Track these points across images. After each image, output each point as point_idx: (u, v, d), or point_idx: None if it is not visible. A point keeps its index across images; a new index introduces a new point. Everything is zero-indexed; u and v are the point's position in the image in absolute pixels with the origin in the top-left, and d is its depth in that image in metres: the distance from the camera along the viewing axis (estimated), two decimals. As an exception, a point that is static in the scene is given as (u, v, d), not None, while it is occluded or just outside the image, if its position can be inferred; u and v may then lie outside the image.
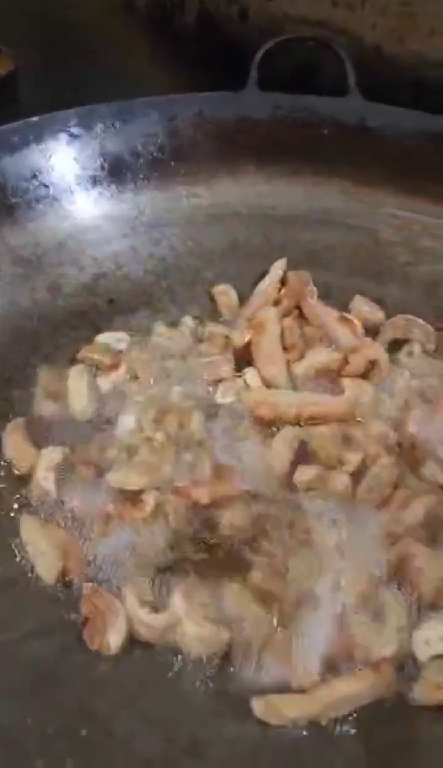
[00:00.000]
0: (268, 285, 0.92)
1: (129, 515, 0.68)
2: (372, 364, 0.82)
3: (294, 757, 0.59)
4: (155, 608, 0.64)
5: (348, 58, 0.99)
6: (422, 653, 0.63)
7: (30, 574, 0.67)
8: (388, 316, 0.92)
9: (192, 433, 0.74)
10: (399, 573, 0.66)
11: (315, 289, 0.92)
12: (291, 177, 1.00)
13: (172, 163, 0.97)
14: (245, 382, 0.81)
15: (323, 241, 0.98)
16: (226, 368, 0.82)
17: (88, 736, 0.59)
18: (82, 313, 0.89)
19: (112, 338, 0.86)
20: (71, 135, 0.93)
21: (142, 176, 0.96)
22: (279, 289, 0.92)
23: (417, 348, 0.87)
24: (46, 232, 0.91)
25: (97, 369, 0.83)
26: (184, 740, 0.59)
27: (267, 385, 0.81)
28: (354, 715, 0.60)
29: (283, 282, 0.93)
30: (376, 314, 0.91)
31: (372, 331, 0.89)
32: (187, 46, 1.12)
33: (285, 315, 0.89)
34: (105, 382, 0.82)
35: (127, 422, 0.76)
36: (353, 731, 0.59)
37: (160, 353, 0.83)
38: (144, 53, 1.16)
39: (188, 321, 0.89)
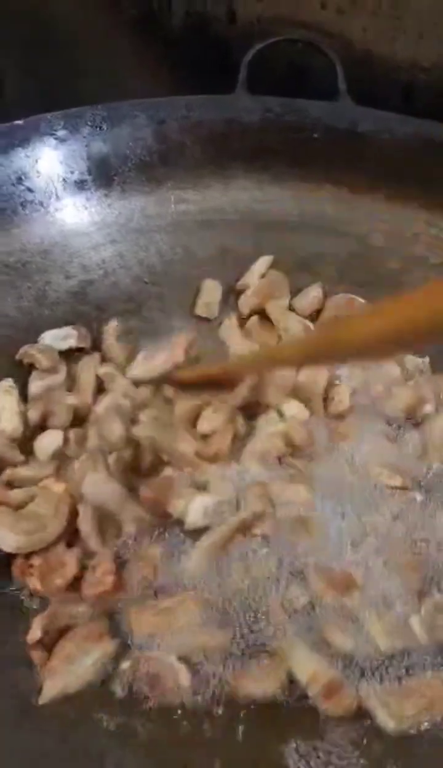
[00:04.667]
0: (248, 281, 0.92)
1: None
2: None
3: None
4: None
5: (338, 61, 0.98)
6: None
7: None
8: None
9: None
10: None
11: (288, 292, 0.92)
12: (280, 182, 0.99)
13: (161, 168, 0.96)
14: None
15: (313, 247, 0.97)
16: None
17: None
18: (69, 321, 0.87)
19: (56, 337, 0.83)
20: (57, 138, 0.91)
21: (129, 181, 0.95)
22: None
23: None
24: (32, 238, 0.90)
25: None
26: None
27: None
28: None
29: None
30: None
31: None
32: (175, 48, 1.10)
33: (251, 314, 0.90)
34: (36, 386, 0.78)
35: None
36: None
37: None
38: (131, 55, 1.13)
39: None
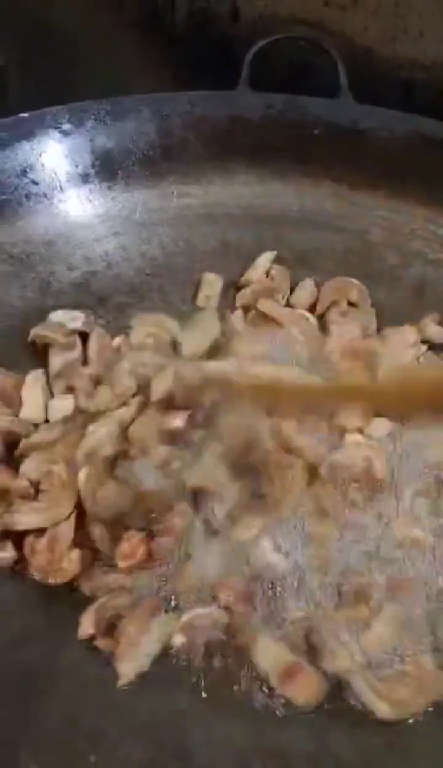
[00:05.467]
0: (251, 276, 0.93)
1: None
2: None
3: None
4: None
5: (340, 59, 1.00)
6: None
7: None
8: (379, 320, 0.93)
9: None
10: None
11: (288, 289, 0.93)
12: (281, 177, 1.00)
13: (163, 162, 0.97)
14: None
15: (313, 241, 0.98)
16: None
17: (77, 743, 0.59)
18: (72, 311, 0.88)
19: (66, 317, 0.85)
20: (62, 132, 0.92)
21: (133, 174, 0.96)
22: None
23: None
24: (36, 229, 0.91)
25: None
26: (174, 745, 0.59)
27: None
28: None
29: (268, 276, 0.94)
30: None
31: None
32: (178, 45, 1.11)
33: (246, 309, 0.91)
34: (56, 362, 0.80)
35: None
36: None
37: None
38: (135, 51, 1.15)
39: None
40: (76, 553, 0.66)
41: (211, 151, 0.98)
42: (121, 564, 0.66)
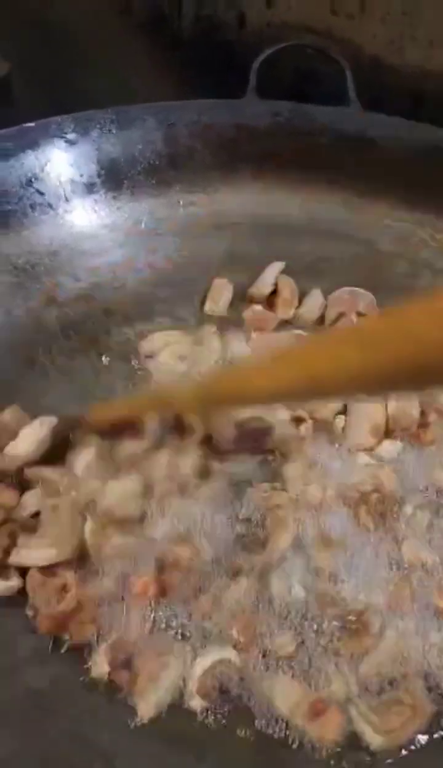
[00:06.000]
0: (260, 288, 0.92)
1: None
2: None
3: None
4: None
5: (348, 67, 0.99)
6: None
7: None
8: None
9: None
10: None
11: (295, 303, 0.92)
12: (289, 186, 0.99)
13: (170, 171, 0.96)
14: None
15: (321, 251, 0.97)
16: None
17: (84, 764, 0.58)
18: (78, 323, 0.87)
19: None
20: (67, 141, 0.91)
21: (139, 184, 0.95)
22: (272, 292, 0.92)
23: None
24: (41, 240, 0.90)
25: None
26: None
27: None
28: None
29: (276, 286, 0.93)
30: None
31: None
32: (184, 51, 1.11)
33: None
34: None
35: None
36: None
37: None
38: (141, 59, 1.14)
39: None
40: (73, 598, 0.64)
41: (217, 159, 0.97)
42: (134, 603, 0.64)
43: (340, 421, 0.79)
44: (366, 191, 0.99)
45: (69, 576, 0.65)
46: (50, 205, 0.91)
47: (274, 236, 0.98)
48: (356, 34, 1.05)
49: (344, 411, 0.80)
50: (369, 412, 0.78)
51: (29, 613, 0.64)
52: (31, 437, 0.73)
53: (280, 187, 0.99)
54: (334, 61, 0.99)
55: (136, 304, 0.90)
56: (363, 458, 0.74)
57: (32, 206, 0.90)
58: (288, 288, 0.93)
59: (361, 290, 0.92)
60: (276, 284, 0.93)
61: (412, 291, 0.95)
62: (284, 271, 0.94)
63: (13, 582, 0.66)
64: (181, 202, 0.97)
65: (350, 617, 0.64)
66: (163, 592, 0.64)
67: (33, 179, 0.89)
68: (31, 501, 0.69)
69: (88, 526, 0.66)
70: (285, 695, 0.60)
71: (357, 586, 0.65)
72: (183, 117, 0.96)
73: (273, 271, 0.94)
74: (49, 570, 0.65)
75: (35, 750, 0.58)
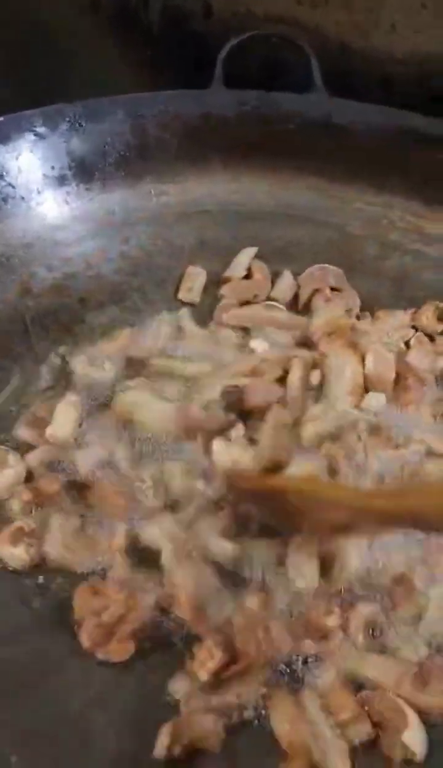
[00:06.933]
0: (234, 271, 0.94)
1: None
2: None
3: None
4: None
5: (313, 55, 1.00)
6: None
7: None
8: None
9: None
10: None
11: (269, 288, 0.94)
12: (258, 174, 1.01)
13: (140, 162, 0.97)
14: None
15: (292, 237, 0.99)
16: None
17: (62, 735, 0.60)
18: (53, 313, 0.89)
19: None
20: (37, 135, 0.92)
21: (110, 175, 0.96)
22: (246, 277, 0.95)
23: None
24: (14, 232, 0.91)
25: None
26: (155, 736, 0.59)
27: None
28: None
29: (249, 271, 0.95)
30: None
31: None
32: (152, 44, 1.12)
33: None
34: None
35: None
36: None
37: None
38: (111, 51, 1.15)
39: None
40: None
41: (186, 149, 0.99)
42: (201, 672, 0.61)
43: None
44: (336, 176, 1.01)
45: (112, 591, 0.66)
46: (23, 198, 0.92)
47: (245, 223, 0.99)
48: (321, 22, 1.06)
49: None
50: (348, 376, 0.81)
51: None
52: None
53: (249, 175, 1.01)
54: (300, 50, 1.01)
55: (111, 293, 0.92)
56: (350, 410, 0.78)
57: (4, 199, 0.91)
58: (260, 272, 0.95)
59: (330, 266, 0.94)
60: (249, 269, 0.95)
61: (383, 273, 0.98)
62: (256, 257, 0.96)
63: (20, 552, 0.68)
64: (153, 192, 0.98)
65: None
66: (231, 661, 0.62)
67: (4, 173, 0.91)
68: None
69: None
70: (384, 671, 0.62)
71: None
72: (151, 108, 0.97)
73: (246, 256, 0.96)
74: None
75: (9, 720, 0.60)
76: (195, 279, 0.95)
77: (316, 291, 0.93)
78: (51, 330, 0.88)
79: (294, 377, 0.79)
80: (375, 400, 0.80)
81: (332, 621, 0.64)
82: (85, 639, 0.63)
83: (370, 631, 0.65)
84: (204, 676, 0.61)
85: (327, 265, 0.94)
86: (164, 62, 1.12)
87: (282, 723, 0.60)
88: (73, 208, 0.95)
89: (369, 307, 0.93)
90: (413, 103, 1.00)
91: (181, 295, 0.93)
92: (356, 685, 0.63)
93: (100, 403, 0.80)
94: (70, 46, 1.14)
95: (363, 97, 1.02)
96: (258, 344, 0.86)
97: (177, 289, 0.94)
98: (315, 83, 1.00)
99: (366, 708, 0.61)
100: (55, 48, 1.12)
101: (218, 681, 0.61)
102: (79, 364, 0.83)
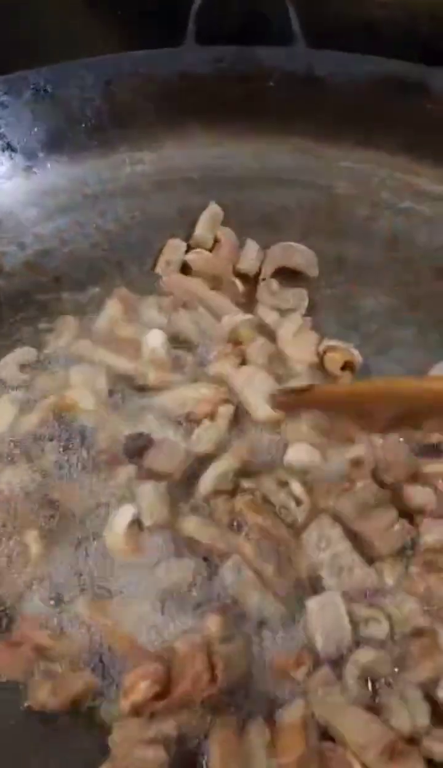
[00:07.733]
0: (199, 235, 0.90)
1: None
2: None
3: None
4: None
5: (290, 4, 0.94)
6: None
7: None
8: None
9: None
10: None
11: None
12: (239, 135, 0.95)
13: (112, 129, 0.92)
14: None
15: (278, 201, 0.95)
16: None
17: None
18: (26, 292, 0.85)
19: None
20: (0, 104, 0.87)
21: (81, 145, 0.91)
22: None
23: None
24: (-18, 210, 0.87)
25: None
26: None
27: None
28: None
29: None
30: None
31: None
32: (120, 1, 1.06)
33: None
34: None
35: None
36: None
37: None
38: (79, 10, 1.09)
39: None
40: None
41: (161, 113, 0.93)
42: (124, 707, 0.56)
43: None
44: (320, 134, 0.95)
45: None
46: (-11, 174, 0.88)
47: (227, 189, 0.94)
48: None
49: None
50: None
51: None
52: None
53: (230, 137, 0.95)
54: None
55: (87, 270, 0.88)
56: None
57: (-31, 176, 0.87)
58: (228, 245, 0.91)
59: (298, 245, 0.90)
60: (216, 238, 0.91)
61: (374, 235, 0.93)
62: (240, 225, 0.92)
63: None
64: (127, 161, 0.93)
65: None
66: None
67: (-33, 147, 0.86)
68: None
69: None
70: (360, 730, 0.55)
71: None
72: (120, 71, 0.92)
73: (209, 216, 0.91)
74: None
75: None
76: (175, 252, 0.90)
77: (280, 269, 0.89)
78: (24, 310, 0.84)
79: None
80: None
81: (299, 675, 0.58)
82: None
83: (368, 681, 0.59)
84: (126, 707, 0.55)
85: (295, 244, 0.90)
86: (135, 20, 1.06)
87: (215, 755, 0.54)
88: (43, 181, 0.90)
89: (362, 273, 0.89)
90: (399, 52, 0.94)
91: (159, 269, 0.89)
92: (322, 731, 0.57)
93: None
94: (37, 8, 1.08)
95: (346, 48, 0.95)
96: (152, 338, 0.79)
97: (156, 263, 0.90)
98: (294, 34, 0.94)
99: (319, 760, 0.54)
100: (20, 10, 1.06)
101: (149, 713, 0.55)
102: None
